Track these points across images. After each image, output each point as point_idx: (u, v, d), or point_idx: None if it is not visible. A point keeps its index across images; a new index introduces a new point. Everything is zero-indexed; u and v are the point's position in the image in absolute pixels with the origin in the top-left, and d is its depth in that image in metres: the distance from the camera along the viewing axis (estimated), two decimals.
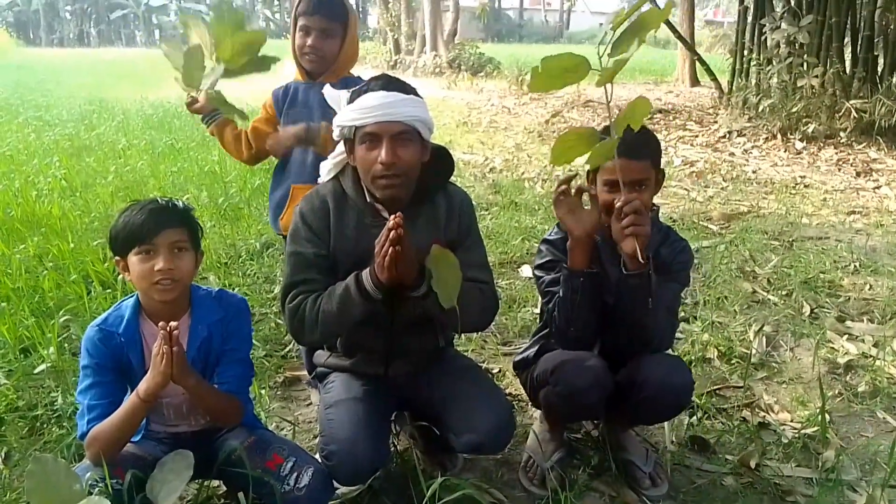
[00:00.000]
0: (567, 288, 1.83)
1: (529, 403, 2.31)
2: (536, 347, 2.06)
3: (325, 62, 2.25)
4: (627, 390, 1.86)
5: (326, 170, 1.84)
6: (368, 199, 1.76)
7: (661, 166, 1.92)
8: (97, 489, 1.49)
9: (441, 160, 1.84)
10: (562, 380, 1.84)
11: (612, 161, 1.73)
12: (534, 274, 2.02)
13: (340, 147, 1.78)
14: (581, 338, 1.89)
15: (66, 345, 2.77)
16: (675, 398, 1.88)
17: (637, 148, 1.79)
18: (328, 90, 1.81)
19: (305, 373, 2.52)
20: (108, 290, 3.20)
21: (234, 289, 3.30)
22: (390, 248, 1.54)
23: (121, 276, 2.80)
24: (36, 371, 2.55)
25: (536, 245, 4.09)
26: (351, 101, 1.70)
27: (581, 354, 1.87)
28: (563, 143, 1.53)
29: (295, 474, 1.64)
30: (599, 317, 1.87)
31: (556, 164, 1.59)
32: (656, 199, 1.97)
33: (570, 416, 2.06)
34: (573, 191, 1.83)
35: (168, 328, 1.50)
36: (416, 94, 1.71)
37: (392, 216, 1.54)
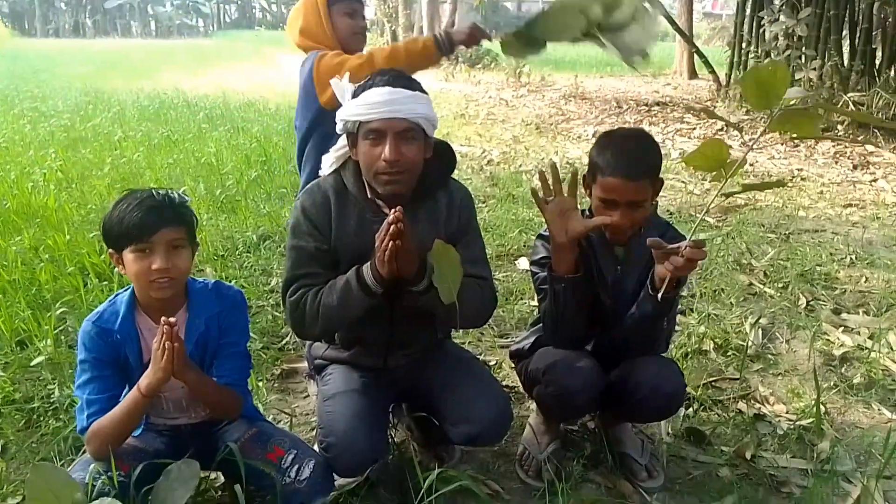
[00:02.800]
0: (551, 292, 1.80)
1: (526, 396, 2.31)
2: (533, 339, 2.05)
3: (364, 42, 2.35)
4: (620, 392, 1.86)
5: (328, 163, 1.83)
6: (370, 195, 1.75)
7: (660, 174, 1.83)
8: (100, 482, 1.50)
9: (443, 156, 1.82)
10: (553, 381, 1.84)
11: (609, 179, 1.71)
12: (530, 269, 2.01)
13: (342, 141, 1.77)
14: (571, 338, 1.89)
15: (62, 337, 2.77)
16: (666, 403, 1.88)
17: (634, 168, 1.71)
18: (335, 82, 1.78)
19: (303, 365, 2.52)
20: (105, 283, 3.20)
21: (230, 281, 3.30)
22: (390, 243, 1.53)
23: (117, 269, 2.79)
24: (32, 363, 2.55)
25: (534, 238, 4.11)
26: (356, 95, 1.68)
27: (572, 355, 1.85)
28: (705, 150, 1.55)
29: (296, 466, 1.65)
30: (592, 317, 1.85)
31: (689, 164, 1.59)
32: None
33: (563, 415, 2.07)
34: (566, 189, 1.77)
35: (167, 324, 1.49)
36: (422, 91, 1.69)
37: (392, 210, 1.53)
